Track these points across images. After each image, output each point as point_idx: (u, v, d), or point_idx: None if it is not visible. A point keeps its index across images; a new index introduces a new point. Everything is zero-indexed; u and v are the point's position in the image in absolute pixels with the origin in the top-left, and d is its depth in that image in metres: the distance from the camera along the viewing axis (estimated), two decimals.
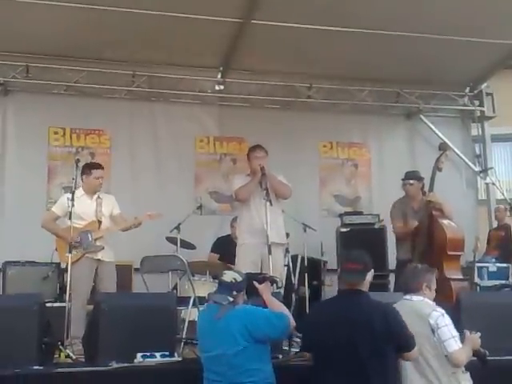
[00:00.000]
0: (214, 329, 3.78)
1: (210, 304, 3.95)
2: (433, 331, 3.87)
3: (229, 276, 3.92)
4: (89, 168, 6.03)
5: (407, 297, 4.12)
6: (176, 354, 4.69)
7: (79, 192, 5.88)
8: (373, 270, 3.86)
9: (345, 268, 3.89)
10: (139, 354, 4.52)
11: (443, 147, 6.32)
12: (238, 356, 3.68)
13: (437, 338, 3.86)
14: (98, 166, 6.11)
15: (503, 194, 8.78)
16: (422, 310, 3.98)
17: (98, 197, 6.01)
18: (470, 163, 9.32)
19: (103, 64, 8.00)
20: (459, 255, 6.09)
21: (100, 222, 5.91)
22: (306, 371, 4.06)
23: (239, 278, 3.91)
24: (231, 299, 3.80)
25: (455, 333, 3.90)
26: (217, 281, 5.50)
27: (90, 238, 5.80)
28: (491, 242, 8.17)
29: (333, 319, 3.71)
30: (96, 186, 6.01)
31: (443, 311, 3.96)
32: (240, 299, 3.90)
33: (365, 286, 3.81)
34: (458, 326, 4.05)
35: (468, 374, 3.96)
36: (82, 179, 6.00)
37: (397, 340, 3.64)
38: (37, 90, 8.03)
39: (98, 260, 5.82)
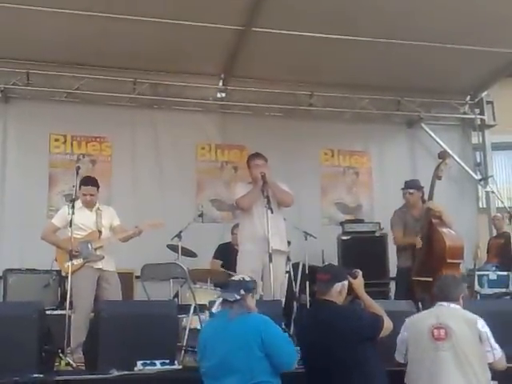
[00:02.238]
0: (226, 333, 3.66)
1: (220, 310, 3.85)
2: (480, 338, 3.97)
3: (238, 276, 4.06)
4: (80, 183, 5.92)
5: (444, 303, 4.19)
6: (176, 362, 4.66)
7: (78, 204, 5.82)
8: (346, 282, 4.05)
9: (316, 278, 4.13)
10: (139, 362, 4.50)
11: (442, 156, 6.31)
12: (248, 364, 3.57)
13: (485, 346, 3.97)
14: (88, 183, 5.93)
15: (503, 203, 8.78)
16: (468, 316, 4.09)
17: (98, 208, 5.97)
18: (470, 171, 9.33)
19: (104, 71, 8.01)
20: (459, 263, 6.09)
21: (100, 232, 5.87)
22: None
23: (248, 278, 3.94)
24: (238, 297, 3.75)
25: (495, 345, 4.03)
26: (218, 289, 5.55)
27: (90, 248, 5.76)
28: (491, 250, 8.17)
29: (306, 326, 4.09)
30: (83, 201, 5.91)
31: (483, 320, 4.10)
32: (250, 301, 3.83)
33: (334, 296, 4.00)
34: None
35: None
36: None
37: (360, 333, 3.85)
38: (38, 96, 8.04)
39: (100, 269, 5.79)
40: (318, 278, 4.10)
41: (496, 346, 4.02)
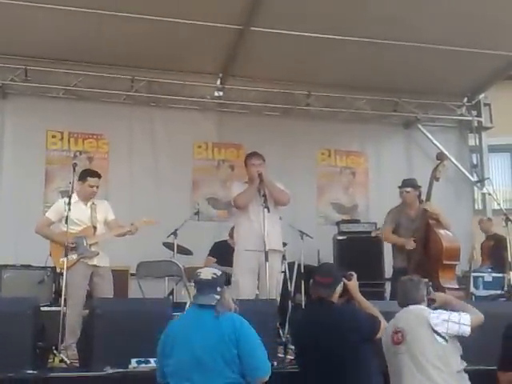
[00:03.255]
0: (200, 331, 3.42)
1: (193, 308, 3.63)
2: (437, 330, 3.94)
3: (207, 273, 3.57)
4: (85, 175, 5.94)
5: (411, 308, 4.18)
6: None
7: (73, 198, 5.76)
8: (342, 283, 4.07)
9: (316, 281, 4.09)
10: (134, 360, 4.50)
11: (441, 157, 6.32)
12: (222, 363, 3.35)
13: (453, 328, 3.95)
14: (95, 175, 5.99)
15: (499, 205, 8.79)
16: (420, 313, 4.08)
17: (93, 203, 5.95)
18: (466, 173, 9.35)
19: (102, 68, 8.01)
20: (455, 264, 6.09)
21: (95, 228, 5.85)
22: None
23: (218, 272, 3.59)
24: (218, 297, 3.48)
25: (457, 316, 4.01)
26: None
27: (85, 244, 5.75)
28: (483, 252, 8.23)
29: (303, 325, 4.06)
30: (89, 194, 5.91)
31: (438, 310, 4.10)
32: (228, 296, 3.55)
33: (334, 298, 4.02)
34: None
35: (467, 375, 4.03)
36: (78, 184, 5.89)
37: (358, 333, 3.85)
38: (35, 93, 8.03)
39: (94, 266, 5.76)
40: (319, 281, 4.04)
41: (459, 316, 3.99)
